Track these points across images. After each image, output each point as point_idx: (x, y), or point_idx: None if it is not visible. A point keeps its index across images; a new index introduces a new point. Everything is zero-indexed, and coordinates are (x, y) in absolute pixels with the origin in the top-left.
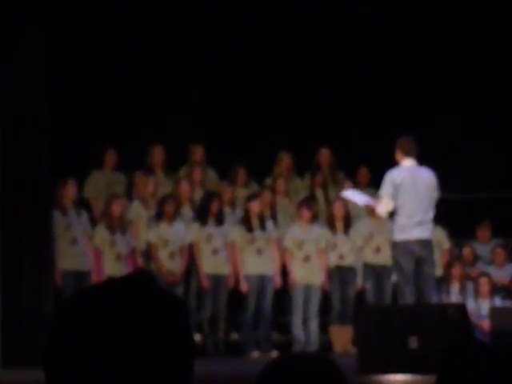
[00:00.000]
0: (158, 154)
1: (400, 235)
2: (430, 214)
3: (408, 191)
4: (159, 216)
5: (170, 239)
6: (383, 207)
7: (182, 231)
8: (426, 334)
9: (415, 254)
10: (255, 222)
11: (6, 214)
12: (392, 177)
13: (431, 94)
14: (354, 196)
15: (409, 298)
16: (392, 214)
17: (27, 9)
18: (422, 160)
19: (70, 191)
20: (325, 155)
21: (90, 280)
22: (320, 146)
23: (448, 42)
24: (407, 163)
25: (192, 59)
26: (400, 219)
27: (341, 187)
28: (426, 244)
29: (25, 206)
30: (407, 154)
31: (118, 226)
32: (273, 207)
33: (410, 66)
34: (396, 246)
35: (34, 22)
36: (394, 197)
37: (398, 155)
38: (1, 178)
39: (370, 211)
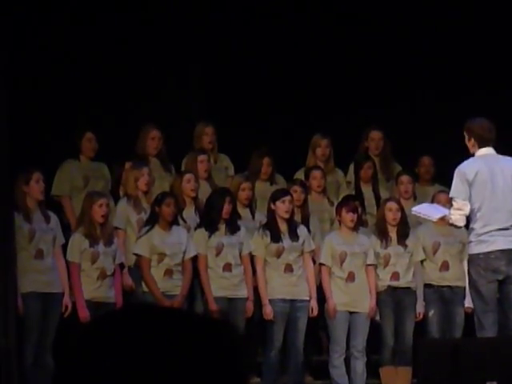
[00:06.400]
0: (152, 139)
1: (477, 247)
2: None
3: (484, 189)
4: (153, 220)
5: (167, 251)
6: (457, 213)
7: (182, 241)
8: (510, 377)
9: (499, 272)
10: (283, 229)
11: None
12: (463, 172)
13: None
14: (427, 211)
15: (490, 331)
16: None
17: None
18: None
19: (34, 189)
20: (376, 140)
21: (62, 306)
22: (369, 128)
23: None
24: (483, 153)
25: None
26: (476, 226)
27: (397, 183)
28: None
29: None
30: (483, 142)
31: (101, 233)
32: (305, 209)
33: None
34: (472, 261)
35: None
36: (469, 198)
37: (471, 144)
38: None
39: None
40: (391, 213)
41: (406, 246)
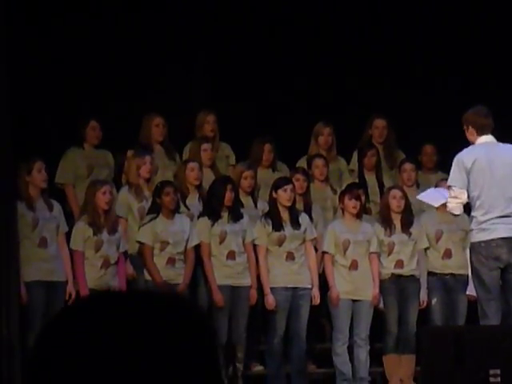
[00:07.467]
0: (156, 126)
1: (478, 235)
2: None
3: (483, 176)
4: (155, 210)
5: (170, 240)
6: (454, 201)
7: (185, 229)
8: None
9: (501, 260)
10: (284, 217)
11: None
12: (461, 160)
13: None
14: (430, 198)
15: (493, 319)
16: (467, 208)
17: None
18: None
19: (36, 178)
20: (379, 128)
21: (65, 294)
22: (373, 116)
23: None
24: (482, 141)
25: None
26: (477, 214)
27: (400, 171)
28: None
29: None
30: (481, 128)
31: (105, 221)
32: (308, 197)
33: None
34: (474, 249)
35: None
36: (467, 185)
37: (470, 134)
38: None
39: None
40: (395, 200)
41: (410, 234)
